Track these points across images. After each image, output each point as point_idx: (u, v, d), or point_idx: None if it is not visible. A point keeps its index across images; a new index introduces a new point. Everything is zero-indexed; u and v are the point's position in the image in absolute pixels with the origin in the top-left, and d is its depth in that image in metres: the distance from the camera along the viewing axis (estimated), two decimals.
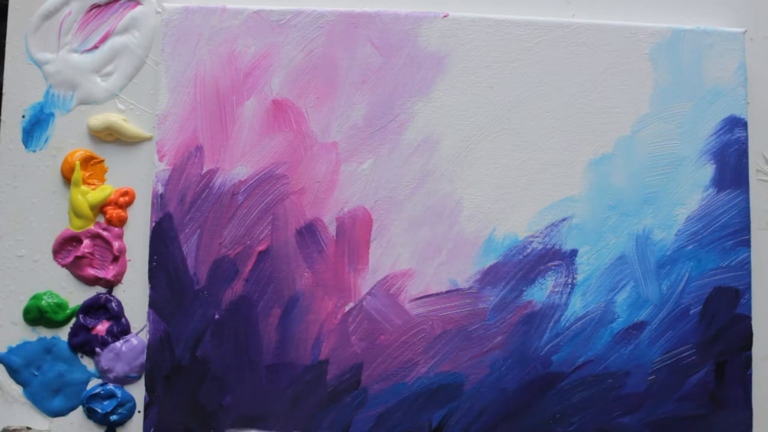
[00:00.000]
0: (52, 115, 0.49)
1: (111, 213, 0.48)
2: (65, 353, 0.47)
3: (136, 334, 0.47)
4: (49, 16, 0.49)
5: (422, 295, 0.47)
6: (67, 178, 0.48)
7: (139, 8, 0.49)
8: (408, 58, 0.48)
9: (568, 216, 0.47)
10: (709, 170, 0.48)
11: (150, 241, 0.47)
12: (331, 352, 0.46)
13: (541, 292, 0.47)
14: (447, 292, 0.47)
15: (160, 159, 0.47)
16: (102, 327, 0.47)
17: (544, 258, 0.47)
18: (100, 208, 0.48)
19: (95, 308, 0.48)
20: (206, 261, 0.47)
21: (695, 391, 0.46)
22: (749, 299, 0.47)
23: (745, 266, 0.47)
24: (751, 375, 0.46)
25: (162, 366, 0.46)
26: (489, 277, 0.47)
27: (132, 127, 0.48)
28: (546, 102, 0.48)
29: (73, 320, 0.47)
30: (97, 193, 0.48)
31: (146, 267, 0.47)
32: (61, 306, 0.47)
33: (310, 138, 0.47)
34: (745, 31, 0.48)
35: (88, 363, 0.47)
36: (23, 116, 0.48)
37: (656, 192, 0.47)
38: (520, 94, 0.48)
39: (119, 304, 0.48)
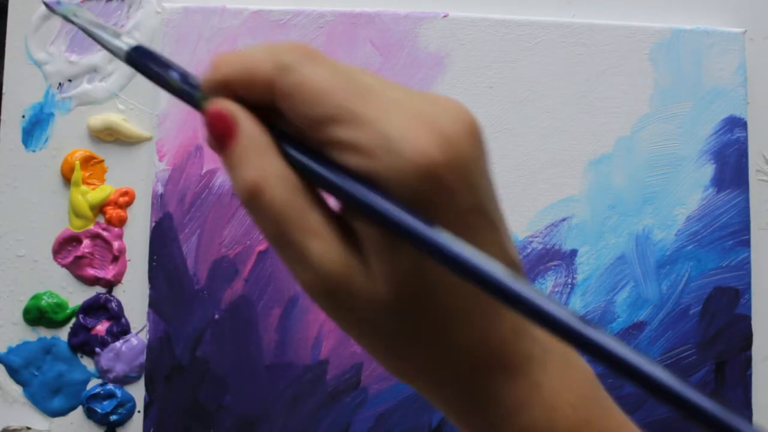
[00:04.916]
0: (52, 115, 0.49)
1: (111, 213, 0.48)
2: (65, 353, 0.47)
3: (136, 334, 0.47)
4: (49, 16, 0.49)
5: None
6: (67, 178, 0.48)
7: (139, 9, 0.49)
8: (408, 58, 0.48)
9: (568, 216, 0.47)
10: (709, 170, 0.48)
11: (150, 241, 0.47)
12: (331, 352, 0.46)
13: None
14: None
15: (160, 159, 0.47)
16: (102, 327, 0.47)
17: (544, 258, 0.47)
18: (100, 208, 0.48)
19: (95, 308, 0.48)
20: (206, 261, 0.47)
21: None
22: (749, 299, 0.47)
23: (745, 266, 0.47)
24: (751, 375, 0.46)
25: (162, 366, 0.46)
26: None
27: (132, 127, 0.48)
28: (546, 102, 0.48)
29: (73, 320, 0.47)
30: (97, 193, 0.48)
31: (146, 267, 0.47)
32: (61, 306, 0.47)
33: None
34: (745, 31, 0.48)
35: (88, 363, 0.47)
36: (23, 116, 0.48)
37: (656, 192, 0.47)
38: (520, 94, 0.48)
39: (119, 304, 0.48)
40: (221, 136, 0.21)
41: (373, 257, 0.20)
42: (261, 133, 0.21)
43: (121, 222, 0.48)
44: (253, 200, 0.21)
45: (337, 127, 0.20)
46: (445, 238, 0.19)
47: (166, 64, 0.26)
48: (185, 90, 0.25)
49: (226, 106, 0.22)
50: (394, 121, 0.19)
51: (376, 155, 0.19)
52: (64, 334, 0.47)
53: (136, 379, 0.47)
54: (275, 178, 0.20)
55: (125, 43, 0.27)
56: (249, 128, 0.21)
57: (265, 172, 0.20)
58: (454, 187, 0.19)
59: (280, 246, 0.21)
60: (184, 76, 0.25)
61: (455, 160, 0.19)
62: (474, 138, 0.20)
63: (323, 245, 0.20)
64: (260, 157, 0.20)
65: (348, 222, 0.21)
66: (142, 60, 0.27)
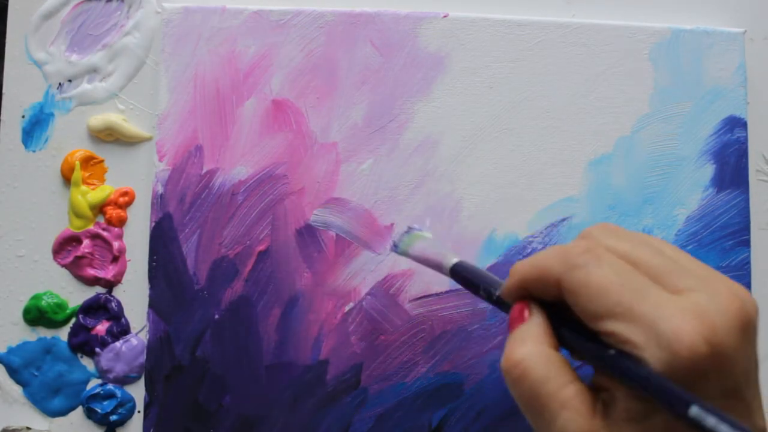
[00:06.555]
0: (52, 115, 0.49)
1: (111, 213, 0.48)
2: (65, 353, 0.47)
3: (136, 334, 0.47)
4: (49, 16, 0.49)
5: (422, 295, 0.47)
6: (67, 178, 0.48)
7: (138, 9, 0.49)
8: (408, 58, 0.48)
9: (568, 216, 0.47)
10: (709, 170, 0.48)
11: (150, 241, 0.47)
12: (331, 352, 0.46)
13: None
14: (447, 292, 0.47)
15: (160, 159, 0.47)
16: (102, 327, 0.47)
17: None
18: (100, 208, 0.48)
19: (95, 308, 0.48)
20: (206, 261, 0.47)
21: None
22: None
23: (745, 266, 0.47)
24: None
25: (162, 366, 0.46)
26: None
27: (132, 127, 0.48)
28: (546, 102, 0.48)
29: (73, 320, 0.47)
30: (97, 193, 0.48)
31: (146, 267, 0.47)
32: (61, 306, 0.47)
33: (310, 138, 0.47)
34: (745, 31, 0.48)
35: (87, 363, 0.47)
36: (23, 116, 0.48)
37: (656, 192, 0.47)
38: (520, 94, 0.48)
39: (119, 304, 0.48)
40: (513, 320, 0.27)
41: (624, 424, 0.23)
42: (539, 324, 0.26)
43: (121, 222, 0.48)
44: (512, 373, 0.26)
45: (615, 322, 0.23)
46: (699, 409, 0.21)
47: (481, 277, 0.33)
48: (494, 300, 0.31)
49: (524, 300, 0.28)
50: (667, 318, 0.22)
51: (647, 348, 0.23)
52: (64, 334, 0.47)
53: (136, 379, 0.47)
54: (537, 360, 0.25)
55: (450, 260, 0.36)
56: (533, 317, 0.27)
57: (531, 354, 0.25)
58: (711, 376, 0.22)
59: (532, 412, 0.26)
60: (492, 288, 0.31)
61: (719, 353, 0.22)
62: (743, 330, 0.23)
63: (571, 414, 0.24)
64: (531, 344, 0.26)
65: (600, 395, 0.25)
66: (461, 274, 0.35)
